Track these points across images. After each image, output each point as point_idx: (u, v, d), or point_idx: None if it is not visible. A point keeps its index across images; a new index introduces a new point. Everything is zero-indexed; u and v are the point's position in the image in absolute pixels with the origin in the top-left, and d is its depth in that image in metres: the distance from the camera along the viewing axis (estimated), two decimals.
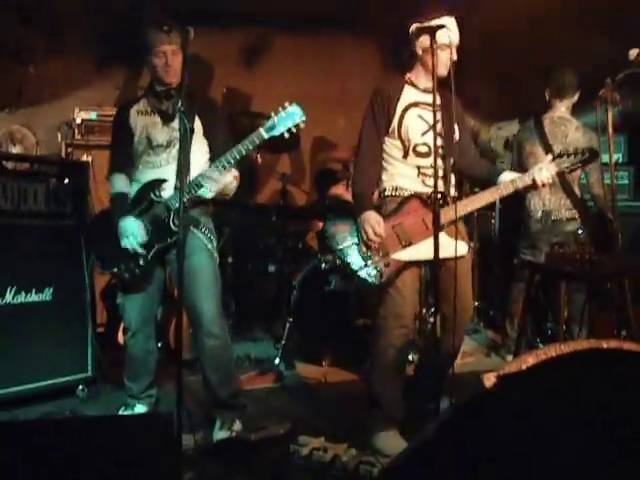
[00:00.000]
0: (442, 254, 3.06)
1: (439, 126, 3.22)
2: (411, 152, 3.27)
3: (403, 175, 3.31)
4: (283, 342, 4.52)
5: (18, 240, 3.60)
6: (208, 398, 3.31)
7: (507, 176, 3.34)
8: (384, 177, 3.36)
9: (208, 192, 3.05)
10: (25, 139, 5.23)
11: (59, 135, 5.32)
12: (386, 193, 3.34)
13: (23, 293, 3.59)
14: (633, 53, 3.45)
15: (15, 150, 5.12)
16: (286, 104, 3.00)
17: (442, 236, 3.13)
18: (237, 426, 3.19)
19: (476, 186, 4.39)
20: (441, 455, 1.19)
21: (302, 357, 4.61)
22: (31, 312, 3.61)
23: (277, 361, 4.44)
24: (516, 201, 4.85)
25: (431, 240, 3.01)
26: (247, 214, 5.85)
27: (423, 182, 3.28)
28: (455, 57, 3.20)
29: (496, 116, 6.39)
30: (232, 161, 2.99)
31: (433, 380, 3.26)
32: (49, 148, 5.41)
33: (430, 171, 3.25)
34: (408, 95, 3.32)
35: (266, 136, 2.98)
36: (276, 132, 2.98)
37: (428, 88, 3.28)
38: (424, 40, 3.18)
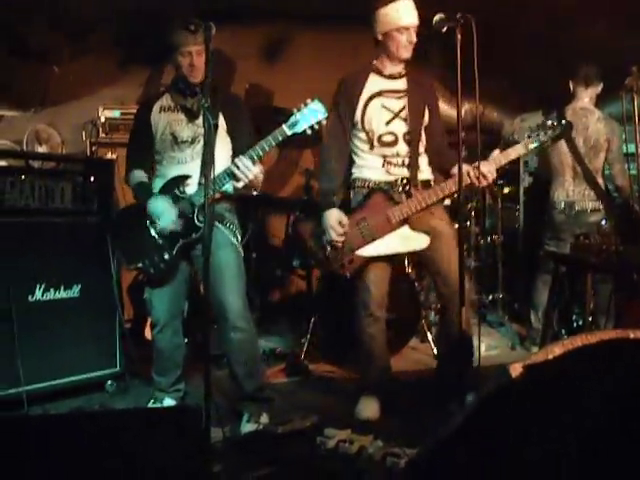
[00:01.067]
0: (405, 248, 3.31)
1: (405, 112, 3.30)
2: (376, 143, 3.31)
3: (369, 166, 3.37)
4: (308, 336, 4.54)
5: (46, 238, 3.64)
6: (235, 391, 3.34)
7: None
8: (353, 169, 3.43)
9: (239, 182, 3.06)
10: (51, 138, 5.28)
11: (84, 134, 5.37)
12: (354, 184, 3.42)
13: (52, 290, 3.64)
14: None
15: (41, 149, 5.17)
16: (308, 100, 3.01)
17: (405, 230, 3.26)
18: (264, 419, 3.22)
19: None
20: (467, 445, 1.20)
21: (327, 351, 4.61)
22: (60, 309, 3.65)
23: (302, 355, 4.46)
24: (540, 192, 4.83)
25: (394, 234, 3.25)
26: (271, 209, 5.89)
27: (388, 171, 3.33)
28: (415, 39, 3.22)
29: (521, 108, 6.34)
30: (256, 157, 3.02)
31: (455, 371, 3.28)
32: (74, 147, 5.46)
33: (395, 159, 3.32)
34: (373, 84, 3.33)
35: (289, 133, 2.99)
36: (298, 129, 2.99)
37: (393, 74, 3.34)
38: (383, 25, 3.20)
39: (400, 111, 3.30)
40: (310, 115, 2.99)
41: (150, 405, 3.43)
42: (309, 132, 3.02)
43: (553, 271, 4.03)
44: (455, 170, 3.17)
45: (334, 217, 3.26)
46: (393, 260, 3.49)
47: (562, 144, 4.48)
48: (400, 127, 3.30)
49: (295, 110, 3.00)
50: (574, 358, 1.17)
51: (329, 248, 3.32)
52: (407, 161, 3.32)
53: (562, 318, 4.78)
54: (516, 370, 1.17)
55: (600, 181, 4.50)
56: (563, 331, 4.76)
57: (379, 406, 3.42)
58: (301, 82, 5.88)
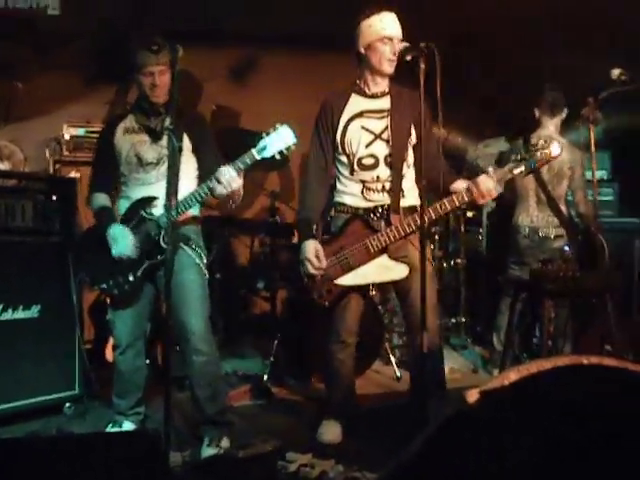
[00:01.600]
0: (384, 278, 3.24)
1: (387, 133, 3.20)
2: (356, 167, 3.23)
3: (348, 192, 3.31)
4: (272, 358, 4.52)
5: (5, 256, 3.58)
6: (196, 415, 3.31)
7: (459, 185, 3.14)
8: (335, 193, 3.38)
9: (223, 189, 3.00)
10: (13, 155, 5.21)
11: (47, 151, 5.32)
12: (335, 208, 3.37)
13: (10, 310, 3.57)
14: (615, 72, 3.51)
15: (3, 166, 5.10)
16: (277, 125, 2.96)
17: (384, 259, 3.19)
18: (225, 443, 3.19)
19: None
20: (426, 470, 1.21)
21: (291, 373, 4.59)
22: (18, 329, 3.59)
23: (265, 377, 4.44)
24: (504, 216, 4.91)
25: (372, 263, 3.18)
26: (236, 230, 5.88)
27: (366, 198, 3.25)
28: (398, 50, 3.07)
29: (484, 134, 6.44)
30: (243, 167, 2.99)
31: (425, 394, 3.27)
32: (37, 164, 5.40)
33: (374, 185, 3.23)
34: (353, 105, 3.26)
35: (258, 157, 2.95)
36: (267, 154, 2.95)
37: (376, 93, 3.26)
38: (366, 37, 3.15)
39: (382, 132, 3.20)
40: (279, 140, 2.94)
41: (109, 428, 3.37)
42: (278, 157, 2.98)
43: (513, 295, 4.09)
44: (454, 187, 3.11)
45: (311, 249, 3.20)
46: (366, 287, 3.48)
47: None
48: (381, 149, 3.19)
49: (264, 134, 2.96)
50: (529, 384, 1.19)
51: (306, 279, 3.28)
52: (388, 185, 3.20)
53: (523, 341, 4.84)
54: (472, 396, 1.18)
55: (563, 208, 4.57)
56: (525, 354, 4.82)
57: (341, 430, 3.41)
58: (268, 104, 5.91)
